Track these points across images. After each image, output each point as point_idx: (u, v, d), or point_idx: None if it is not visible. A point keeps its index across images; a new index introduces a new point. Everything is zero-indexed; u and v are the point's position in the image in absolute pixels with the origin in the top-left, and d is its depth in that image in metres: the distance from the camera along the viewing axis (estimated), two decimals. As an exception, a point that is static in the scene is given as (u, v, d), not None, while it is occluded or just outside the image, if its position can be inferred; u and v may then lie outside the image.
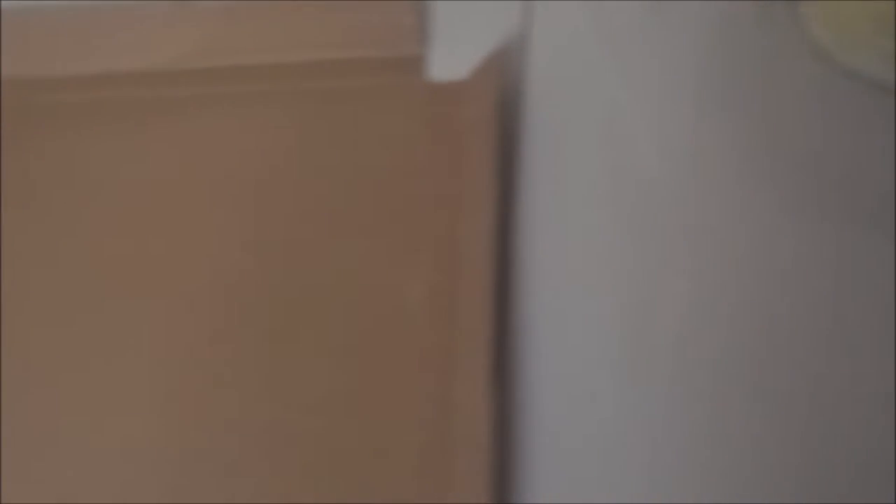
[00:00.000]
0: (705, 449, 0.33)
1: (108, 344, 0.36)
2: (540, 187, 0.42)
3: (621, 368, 0.35)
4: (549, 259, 0.39)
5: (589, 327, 0.37)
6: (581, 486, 0.33)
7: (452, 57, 0.47)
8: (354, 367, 0.34)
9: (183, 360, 0.35)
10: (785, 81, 0.42)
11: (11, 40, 0.45)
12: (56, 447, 0.33)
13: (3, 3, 0.46)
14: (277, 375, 0.34)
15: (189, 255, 0.38)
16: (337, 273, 0.36)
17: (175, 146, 0.42)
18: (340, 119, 0.42)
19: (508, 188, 0.41)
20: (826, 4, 0.40)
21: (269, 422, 0.33)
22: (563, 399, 0.35)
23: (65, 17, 0.48)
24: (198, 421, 0.34)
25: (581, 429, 0.34)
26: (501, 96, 0.41)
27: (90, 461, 0.33)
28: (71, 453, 0.33)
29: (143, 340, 0.36)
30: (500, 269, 0.37)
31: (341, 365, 0.34)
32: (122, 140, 0.42)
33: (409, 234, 0.38)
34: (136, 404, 0.34)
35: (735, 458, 0.33)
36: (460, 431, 0.30)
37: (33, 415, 0.34)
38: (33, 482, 0.32)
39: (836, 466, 0.32)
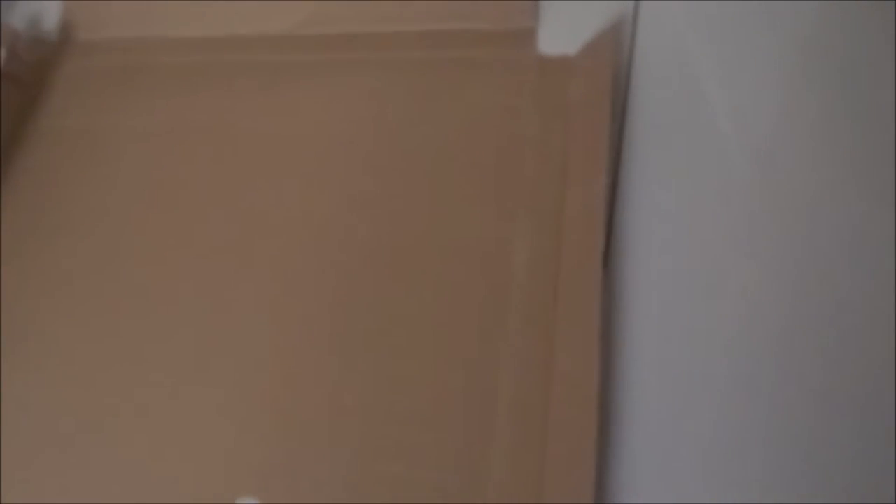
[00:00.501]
0: (817, 447, 0.33)
1: (233, 276, 0.38)
2: (644, 163, 0.42)
3: (728, 352, 0.36)
4: (652, 234, 0.40)
5: (695, 306, 0.37)
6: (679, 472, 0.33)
7: (563, 32, 0.47)
8: (459, 327, 0.35)
9: (298, 306, 0.37)
10: (873, 80, 0.41)
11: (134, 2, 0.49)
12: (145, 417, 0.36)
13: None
14: (383, 336, 0.36)
15: (306, 210, 0.40)
16: (446, 236, 0.37)
17: (291, 109, 0.44)
18: (453, 88, 0.43)
19: (615, 163, 0.41)
20: None
21: (377, 376, 0.35)
22: (666, 383, 0.35)
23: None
24: (307, 375, 0.36)
25: (684, 413, 0.35)
26: (613, 73, 0.41)
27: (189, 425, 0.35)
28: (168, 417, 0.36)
29: (259, 282, 0.38)
30: (606, 245, 0.38)
31: (446, 325, 0.35)
32: (241, 100, 0.45)
33: (517, 201, 0.39)
34: (243, 347, 0.36)
35: (841, 456, 0.33)
36: (564, 397, 0.31)
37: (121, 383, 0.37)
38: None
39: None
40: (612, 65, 0.40)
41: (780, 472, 0.32)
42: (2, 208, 0.42)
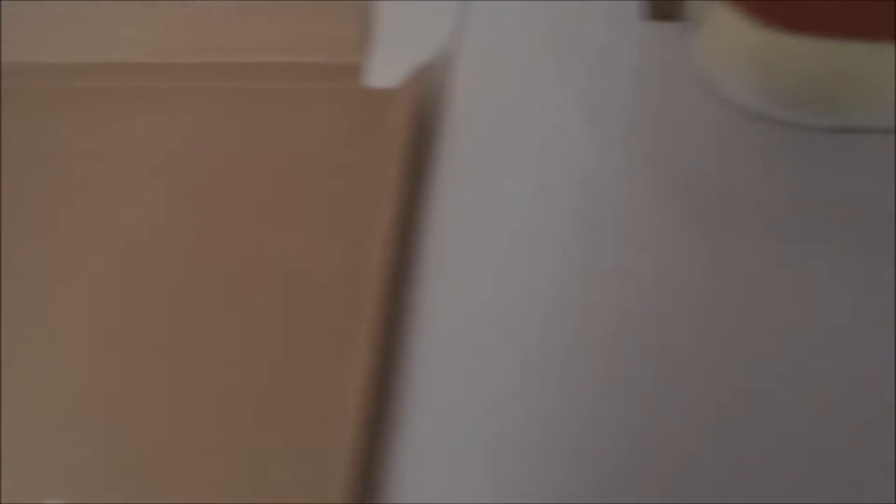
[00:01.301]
0: (592, 440, 0.38)
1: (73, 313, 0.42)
2: (455, 189, 0.47)
3: (512, 361, 0.41)
4: (454, 252, 0.45)
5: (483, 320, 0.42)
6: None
7: (394, 65, 0.52)
8: (272, 344, 0.39)
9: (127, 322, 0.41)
10: (674, 107, 0.47)
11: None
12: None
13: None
14: (202, 348, 0.40)
15: (135, 236, 0.43)
16: (266, 259, 0.42)
17: (128, 136, 0.47)
18: (281, 117, 0.48)
19: (422, 186, 0.46)
20: (707, 34, 0.45)
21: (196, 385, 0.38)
22: (450, 381, 0.40)
23: (44, 9, 0.54)
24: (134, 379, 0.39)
25: (465, 413, 0.39)
26: (422, 104, 0.46)
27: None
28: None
29: (84, 301, 0.42)
30: (404, 259, 0.43)
31: (260, 342, 0.39)
32: (81, 127, 0.48)
33: (333, 224, 0.43)
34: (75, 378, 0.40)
35: (620, 447, 0.38)
36: (341, 407, 0.36)
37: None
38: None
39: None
40: (418, 97, 0.45)
41: (576, 468, 0.37)
42: None
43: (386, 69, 0.52)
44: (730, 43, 0.44)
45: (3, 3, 0.53)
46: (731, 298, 0.41)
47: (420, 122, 0.46)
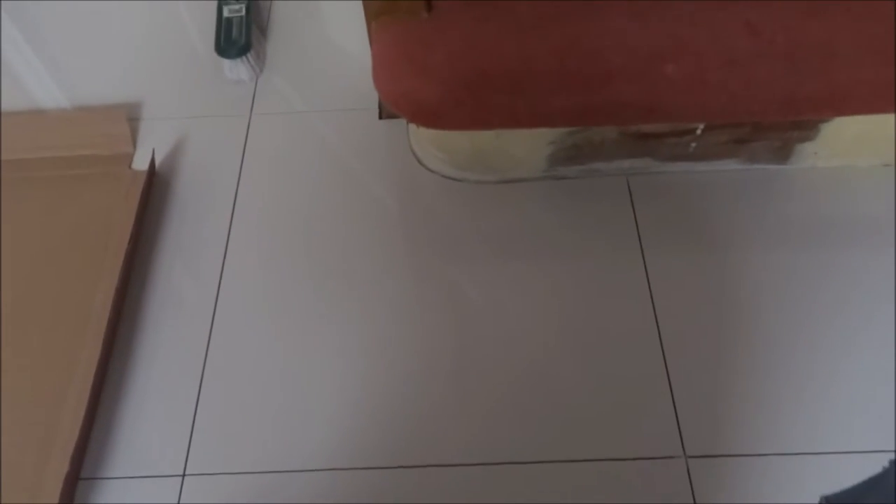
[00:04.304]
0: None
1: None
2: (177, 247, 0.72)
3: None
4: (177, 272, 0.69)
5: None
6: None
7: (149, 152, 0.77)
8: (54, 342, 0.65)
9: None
10: (403, 175, 0.78)
11: None
12: None
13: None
14: None
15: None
16: (50, 294, 0.68)
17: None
18: (70, 196, 0.72)
19: (151, 242, 0.74)
20: (413, 128, 0.77)
21: None
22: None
23: None
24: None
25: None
26: (149, 184, 0.76)
27: None
28: None
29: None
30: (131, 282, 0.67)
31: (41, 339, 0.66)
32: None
33: (100, 269, 0.70)
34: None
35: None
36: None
37: None
38: None
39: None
40: (144, 180, 0.75)
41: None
42: None
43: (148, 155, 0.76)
44: (421, 133, 0.73)
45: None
46: (458, 300, 0.72)
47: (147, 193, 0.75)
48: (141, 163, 0.78)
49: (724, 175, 0.76)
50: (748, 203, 0.74)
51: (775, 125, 0.71)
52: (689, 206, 0.74)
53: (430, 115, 0.61)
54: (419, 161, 0.78)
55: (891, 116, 0.68)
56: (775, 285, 0.69)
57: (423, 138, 0.76)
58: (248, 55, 0.84)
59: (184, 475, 0.61)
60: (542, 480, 0.60)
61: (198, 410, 0.64)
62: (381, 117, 0.81)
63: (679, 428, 0.62)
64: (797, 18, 0.60)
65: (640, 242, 0.71)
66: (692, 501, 0.59)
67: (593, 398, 0.64)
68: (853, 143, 0.73)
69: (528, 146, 0.72)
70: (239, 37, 0.85)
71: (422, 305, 0.69)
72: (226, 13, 0.87)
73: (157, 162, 0.78)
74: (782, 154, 0.75)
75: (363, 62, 0.69)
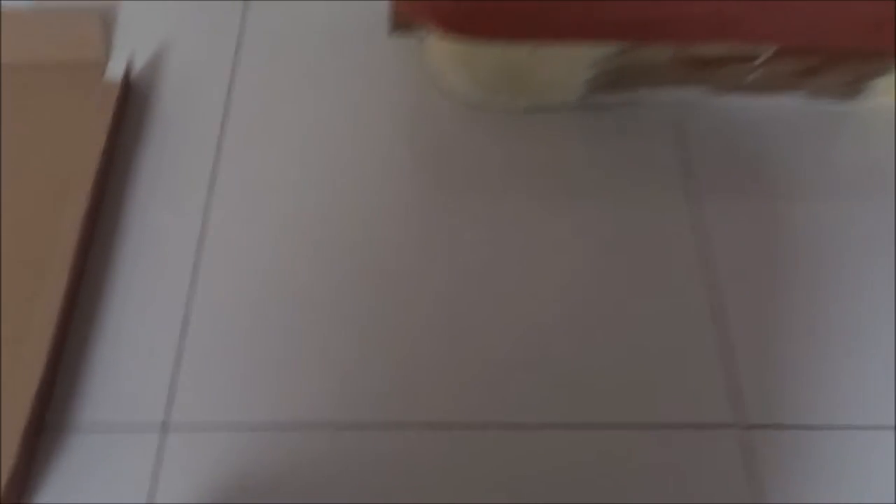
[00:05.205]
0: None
1: None
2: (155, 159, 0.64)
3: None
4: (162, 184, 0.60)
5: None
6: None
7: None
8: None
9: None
10: (416, 99, 0.68)
11: None
12: None
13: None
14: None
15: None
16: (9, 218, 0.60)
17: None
18: (33, 108, 0.65)
19: (126, 166, 0.65)
20: (430, 43, 0.67)
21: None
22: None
23: None
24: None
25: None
26: (123, 96, 0.66)
27: None
28: None
29: None
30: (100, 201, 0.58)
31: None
32: None
33: (68, 188, 0.61)
34: None
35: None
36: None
37: None
38: None
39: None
40: (118, 87, 0.65)
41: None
42: None
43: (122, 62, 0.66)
44: (441, 49, 0.63)
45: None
46: (476, 238, 0.62)
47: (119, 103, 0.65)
48: (116, 72, 0.67)
49: (783, 112, 0.66)
50: (811, 144, 0.65)
51: (853, 55, 0.61)
52: (745, 145, 0.65)
53: (458, 21, 0.51)
54: (436, 83, 0.67)
55: None
56: (842, 238, 0.60)
57: (443, 55, 0.66)
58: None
59: (163, 429, 0.53)
60: (577, 446, 0.52)
61: (181, 355, 0.55)
62: (391, 31, 0.70)
63: (735, 394, 0.54)
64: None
65: (688, 185, 0.63)
66: (746, 476, 0.52)
67: (633, 355, 0.56)
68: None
69: (566, 67, 0.62)
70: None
71: (435, 248, 0.60)
72: None
73: (135, 71, 0.68)
74: (852, 90, 0.65)
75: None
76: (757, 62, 0.61)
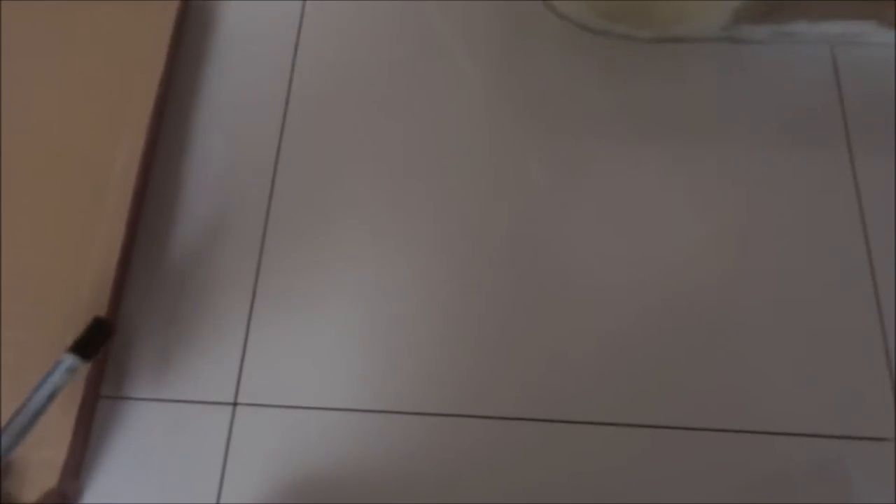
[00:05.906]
0: None
1: None
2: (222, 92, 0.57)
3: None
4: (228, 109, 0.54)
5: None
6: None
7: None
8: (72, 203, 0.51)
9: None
10: (528, 28, 0.57)
11: None
12: None
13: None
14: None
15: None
16: (58, 157, 0.52)
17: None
18: (81, 29, 0.55)
19: (188, 93, 0.56)
20: None
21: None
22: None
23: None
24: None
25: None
26: (181, 20, 0.57)
27: None
28: None
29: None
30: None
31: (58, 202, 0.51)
32: None
33: (123, 121, 0.53)
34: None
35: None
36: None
37: None
38: None
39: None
40: (177, 15, 0.56)
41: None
42: None
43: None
44: None
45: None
46: (583, 188, 0.53)
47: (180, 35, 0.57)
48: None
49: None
50: None
51: None
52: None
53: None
54: (554, 9, 0.57)
55: None
56: None
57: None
58: None
59: (235, 404, 0.47)
60: (706, 446, 0.45)
61: (250, 326, 0.49)
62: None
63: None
64: None
65: (847, 135, 0.53)
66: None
67: (773, 343, 0.48)
68: None
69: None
70: None
71: (533, 192, 0.52)
72: None
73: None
74: None
75: None
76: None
